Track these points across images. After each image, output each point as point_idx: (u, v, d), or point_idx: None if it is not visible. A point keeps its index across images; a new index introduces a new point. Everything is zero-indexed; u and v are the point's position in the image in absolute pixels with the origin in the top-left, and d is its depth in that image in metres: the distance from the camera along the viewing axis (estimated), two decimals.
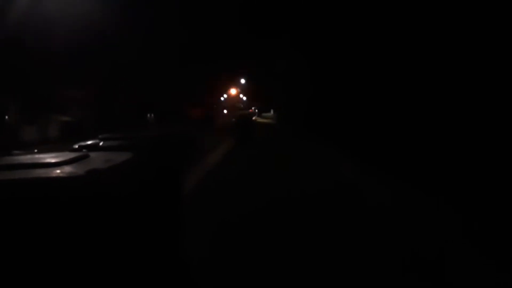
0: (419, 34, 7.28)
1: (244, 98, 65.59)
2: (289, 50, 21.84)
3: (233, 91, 62.55)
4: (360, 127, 10.54)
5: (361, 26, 10.39)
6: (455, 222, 4.15)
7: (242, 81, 60.19)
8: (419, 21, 7.21)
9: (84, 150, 2.16)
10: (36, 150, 2.26)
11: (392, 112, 8.61)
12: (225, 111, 54.92)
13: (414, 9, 7.37)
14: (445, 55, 6.58)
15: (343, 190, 5.93)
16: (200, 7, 25.78)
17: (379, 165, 7.30)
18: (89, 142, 2.33)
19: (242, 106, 56.22)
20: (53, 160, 1.75)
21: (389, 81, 8.76)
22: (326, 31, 14.00)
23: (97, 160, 1.86)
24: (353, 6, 10.90)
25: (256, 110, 60.25)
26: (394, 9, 8.19)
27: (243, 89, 63.63)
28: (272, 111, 48.38)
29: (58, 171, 1.64)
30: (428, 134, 6.97)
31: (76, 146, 2.25)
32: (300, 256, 3.26)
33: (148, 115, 27.99)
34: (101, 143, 2.33)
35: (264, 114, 56.28)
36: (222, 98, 62.71)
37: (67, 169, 1.67)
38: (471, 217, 4.20)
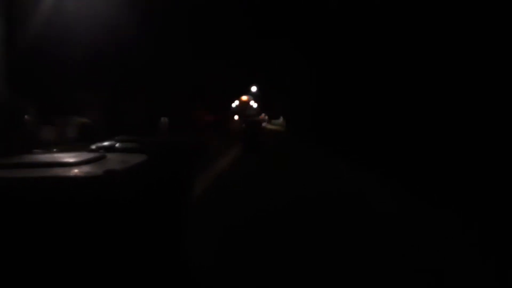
0: (425, 39, 7.32)
1: (255, 105, 65.76)
2: (294, 59, 22.00)
3: (244, 98, 62.76)
4: (364, 133, 10.55)
5: (366, 34, 10.43)
6: (455, 224, 4.18)
7: (254, 88, 60.44)
8: (425, 26, 7.25)
9: (101, 151, 2.24)
10: (55, 150, 2.35)
11: (396, 117, 8.61)
12: (236, 117, 55.08)
13: (420, 14, 7.41)
14: (452, 65, 6.59)
15: (345, 192, 6.01)
16: (211, 14, 26.11)
17: (383, 171, 7.33)
18: (106, 144, 2.41)
19: (252, 113, 56.33)
20: (72, 160, 1.83)
21: (393, 88, 8.77)
22: (331, 39, 14.07)
23: (114, 161, 1.93)
24: (358, 13, 10.97)
25: (266, 117, 60.28)
26: (399, 18, 8.23)
27: (254, 96, 63.84)
28: (281, 118, 48.39)
29: (76, 170, 1.71)
30: (431, 138, 6.98)
31: (94, 147, 2.33)
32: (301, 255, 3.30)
33: (162, 119, 28.27)
34: (117, 145, 2.41)
35: (273, 121, 56.31)
36: (233, 105, 62.98)
37: (85, 168, 1.74)
38: (471, 218, 4.24)
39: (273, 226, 4.28)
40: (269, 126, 45.60)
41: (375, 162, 8.28)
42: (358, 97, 11.34)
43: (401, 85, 8.36)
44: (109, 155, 2.03)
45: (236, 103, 63.26)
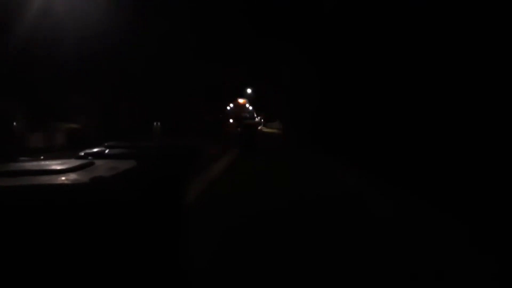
0: (425, 42, 7.35)
1: (250, 108, 65.82)
2: (295, 59, 21.93)
3: (239, 101, 62.80)
4: (367, 136, 10.53)
5: (367, 36, 10.45)
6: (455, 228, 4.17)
7: (249, 90, 60.57)
8: (429, 30, 7.27)
9: (89, 157, 2.18)
10: (42, 157, 2.29)
11: (400, 120, 8.60)
12: (231, 121, 55.11)
13: (423, 18, 7.44)
14: (451, 69, 6.62)
15: (346, 198, 5.94)
16: (207, 16, 26.04)
17: (385, 176, 7.28)
18: (95, 150, 2.35)
19: (248, 115, 56.36)
20: (58, 167, 1.77)
21: (396, 91, 8.77)
22: (333, 40, 14.07)
23: (102, 167, 1.87)
24: (359, 14, 10.99)
25: (262, 120, 60.38)
26: (402, 21, 8.25)
27: (250, 99, 63.93)
28: (278, 121, 48.46)
29: (63, 178, 1.65)
30: (434, 143, 6.99)
31: (82, 154, 2.27)
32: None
33: (155, 123, 28.15)
34: (106, 151, 2.35)
35: (269, 124, 56.37)
36: (228, 108, 63.03)
37: (72, 176, 1.68)
38: (470, 220, 4.23)
39: (272, 230, 4.25)
40: (265, 129, 45.63)
41: (378, 165, 8.24)
42: (360, 99, 11.35)
43: (402, 86, 8.39)
44: (98, 162, 1.98)
45: (231, 105, 63.28)
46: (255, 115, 62.44)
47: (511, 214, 4.24)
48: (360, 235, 4.08)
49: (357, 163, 9.64)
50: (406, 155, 7.70)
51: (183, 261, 2.64)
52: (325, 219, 4.80)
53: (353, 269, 3.14)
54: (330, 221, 4.73)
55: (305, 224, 4.57)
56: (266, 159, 12.63)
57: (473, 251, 3.47)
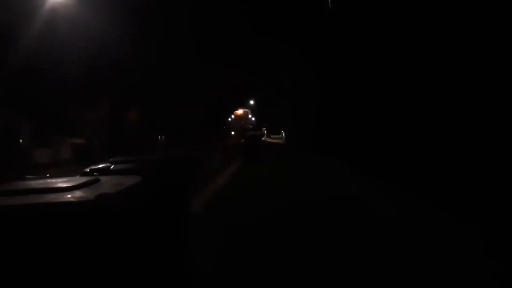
0: (423, 44, 7.40)
1: (253, 119, 65.93)
2: (295, 62, 22.10)
3: (242, 112, 62.91)
4: (366, 137, 10.54)
5: (367, 38, 10.52)
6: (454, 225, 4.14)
7: (251, 102, 60.81)
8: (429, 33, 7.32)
9: (95, 174, 2.21)
10: (48, 175, 2.32)
11: (399, 121, 8.61)
12: (232, 133, 55.11)
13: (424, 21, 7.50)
14: (450, 69, 6.65)
15: (345, 196, 5.97)
16: (208, 23, 26.38)
17: (384, 176, 7.30)
18: (100, 166, 2.38)
19: (251, 126, 56.39)
20: (64, 185, 1.79)
21: (395, 92, 8.79)
22: (332, 42, 14.18)
23: (107, 184, 1.89)
24: (358, 16, 11.09)
25: (265, 131, 60.31)
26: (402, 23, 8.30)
27: (252, 110, 64.10)
28: (282, 132, 48.51)
29: (69, 195, 1.68)
30: (433, 143, 7.00)
31: (88, 170, 2.30)
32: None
33: (159, 137, 28.34)
34: (111, 167, 2.38)
35: (273, 136, 56.28)
36: (229, 119, 63.13)
37: (78, 193, 1.70)
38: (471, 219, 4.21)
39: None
40: (269, 140, 45.64)
41: (378, 165, 8.25)
42: (359, 100, 11.39)
43: (401, 88, 8.41)
44: (103, 178, 2.00)
45: (232, 117, 63.39)
46: (257, 126, 62.56)
47: (510, 212, 4.21)
48: (360, 234, 4.06)
49: (357, 163, 9.66)
50: (406, 155, 7.70)
51: (188, 265, 2.65)
52: (324, 218, 4.80)
53: (353, 266, 3.12)
54: (329, 219, 4.72)
55: (304, 222, 4.59)
56: (268, 160, 12.75)
57: (473, 250, 3.44)
